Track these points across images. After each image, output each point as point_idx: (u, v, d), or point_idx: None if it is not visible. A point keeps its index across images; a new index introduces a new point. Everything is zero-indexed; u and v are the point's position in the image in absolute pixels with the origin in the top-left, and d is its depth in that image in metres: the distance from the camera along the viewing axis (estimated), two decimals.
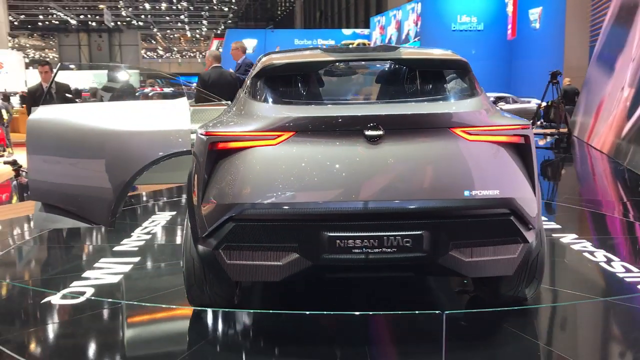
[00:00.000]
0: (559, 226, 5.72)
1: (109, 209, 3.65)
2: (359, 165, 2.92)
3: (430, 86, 3.42)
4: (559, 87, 12.19)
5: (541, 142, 13.37)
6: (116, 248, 5.07)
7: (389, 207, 2.90)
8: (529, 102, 17.86)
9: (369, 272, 3.26)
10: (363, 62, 3.65)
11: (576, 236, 5.33)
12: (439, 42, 25.56)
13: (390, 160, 2.93)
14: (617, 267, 4.47)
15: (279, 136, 2.96)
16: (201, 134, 3.13)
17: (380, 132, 2.91)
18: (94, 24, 62.17)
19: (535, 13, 23.57)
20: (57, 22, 61.14)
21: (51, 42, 67.86)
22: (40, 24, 61.08)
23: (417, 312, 3.04)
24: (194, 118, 3.77)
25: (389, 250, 2.91)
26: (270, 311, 3.46)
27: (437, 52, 3.53)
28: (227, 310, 3.47)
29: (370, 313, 3.27)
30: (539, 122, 13.54)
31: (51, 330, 3.55)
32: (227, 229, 2.97)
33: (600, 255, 4.74)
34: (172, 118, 3.69)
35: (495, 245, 3.05)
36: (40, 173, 3.71)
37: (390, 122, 2.94)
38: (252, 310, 3.62)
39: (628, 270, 4.40)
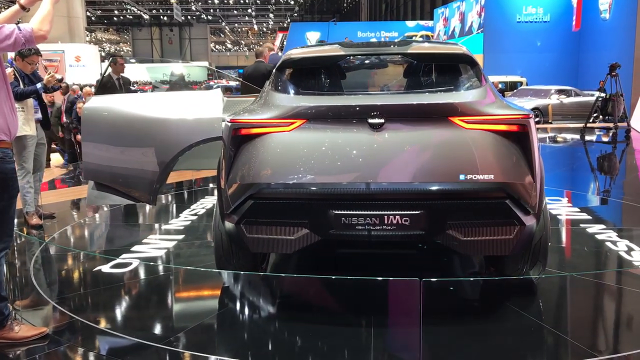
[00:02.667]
0: (589, 217, 5.80)
1: (150, 188, 4.10)
2: (362, 151, 3.22)
3: (436, 78, 3.67)
4: (619, 80, 11.92)
5: (604, 138, 13.15)
6: (164, 227, 5.57)
7: (389, 188, 3.19)
8: (592, 95, 17.40)
9: (372, 248, 3.56)
10: (375, 57, 3.93)
11: (603, 227, 5.42)
12: (503, 34, 25.17)
13: (391, 146, 3.21)
14: (636, 255, 4.57)
15: (292, 123, 3.30)
16: (227, 122, 3.50)
17: (382, 121, 3.20)
18: (165, 18, 64.40)
19: (605, 3, 22.80)
20: (131, 17, 63.68)
21: (125, 37, 70.76)
22: (115, 19, 63.74)
23: (394, 278, 3.31)
24: (227, 108, 4.16)
25: (389, 228, 3.20)
26: (283, 275, 3.82)
27: (443, 47, 3.77)
28: (251, 273, 3.87)
29: (348, 278, 3.56)
30: (594, 115, 13.28)
31: (99, 293, 4.04)
32: (247, 206, 3.33)
33: (622, 245, 4.84)
34: (206, 107, 4.10)
35: (491, 227, 3.28)
36: (92, 155, 4.19)
37: (391, 111, 3.22)
38: (274, 275, 4.01)
39: None
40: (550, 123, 16.62)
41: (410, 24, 36.81)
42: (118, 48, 71.02)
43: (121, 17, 63.81)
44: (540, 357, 3.09)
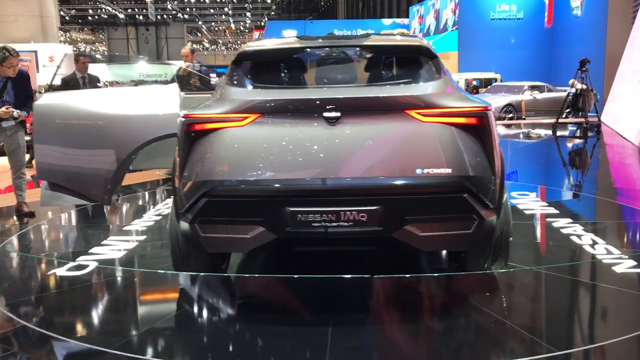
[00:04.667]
0: (556, 211, 5.78)
1: (105, 187, 3.98)
2: (318, 145, 3.14)
3: (395, 71, 3.61)
4: (588, 75, 12.01)
5: (576, 133, 13.21)
6: (126, 227, 5.44)
7: (345, 183, 3.12)
8: (565, 91, 17.55)
9: (330, 245, 3.49)
10: (336, 51, 3.85)
11: (570, 220, 5.41)
12: (477, 31, 25.28)
13: (347, 140, 3.14)
14: (599, 249, 4.56)
15: (245, 118, 3.21)
16: (180, 117, 3.40)
17: (338, 114, 3.13)
18: (141, 17, 63.75)
19: (577, 0, 23.04)
20: (106, 17, 62.91)
21: (101, 36, 69.87)
22: (89, 18, 62.92)
23: (346, 275, 3.25)
24: (185, 104, 4.05)
25: (345, 224, 3.13)
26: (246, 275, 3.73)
27: (401, 40, 3.70)
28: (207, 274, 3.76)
29: (295, 276, 3.48)
30: (567, 111, 13.34)
31: (51, 297, 3.91)
32: (201, 204, 3.24)
33: (586, 239, 4.82)
34: (161, 103, 3.99)
35: (449, 221, 3.24)
36: (45, 154, 4.07)
37: (347, 105, 3.15)
38: (233, 275, 3.90)
39: (609, 253, 4.48)
40: (524, 119, 16.72)
41: (387, 21, 36.89)
42: (94, 48, 70.16)
43: (96, 17, 63.01)
44: (498, 353, 3.04)
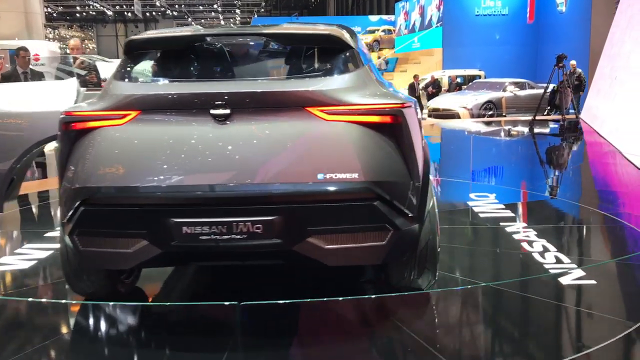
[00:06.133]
0: (512, 214, 5.43)
1: None
2: (206, 147, 2.76)
3: (301, 63, 3.23)
4: (565, 71, 11.65)
5: (553, 130, 12.87)
6: (47, 234, 5.04)
7: (237, 191, 2.74)
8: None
9: (226, 260, 3.11)
10: (241, 41, 3.45)
11: (525, 225, 5.06)
12: (462, 27, 24.95)
13: (239, 141, 2.76)
14: (549, 257, 4.21)
15: (125, 115, 2.82)
16: (60, 114, 3.02)
17: (227, 111, 2.74)
18: (129, 14, 63.08)
19: None
20: (94, 13, 62.27)
21: (90, 33, 69.19)
22: (77, 15, 62.27)
23: (213, 302, 2.86)
24: (84, 100, 3.66)
25: (238, 237, 2.76)
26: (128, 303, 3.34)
27: (309, 28, 3.30)
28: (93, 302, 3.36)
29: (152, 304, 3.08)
30: (548, 108, 13.00)
31: None
32: (79, 214, 2.86)
33: (537, 245, 4.47)
34: (56, 100, 3.61)
35: (359, 232, 2.86)
36: None
37: (237, 100, 2.76)
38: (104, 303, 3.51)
39: (559, 261, 4.13)
40: (504, 116, 16.39)
41: (373, 18, 36.54)
42: (83, 45, 69.47)
43: (84, 14, 62.34)
44: None
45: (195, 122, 2.78)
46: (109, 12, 61.13)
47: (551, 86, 13.00)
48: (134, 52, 3.15)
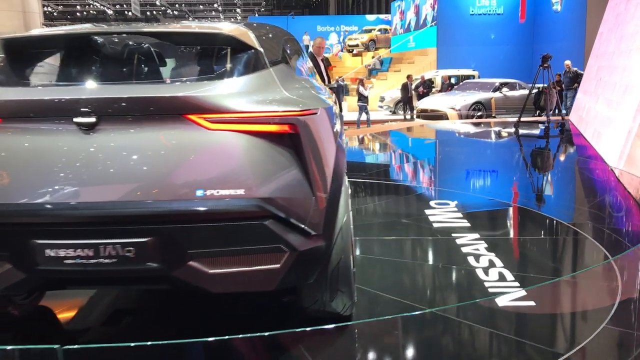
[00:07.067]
0: (467, 225, 5.12)
1: None
2: (70, 160, 2.47)
3: (190, 65, 2.93)
4: (551, 71, 11.30)
5: (537, 132, 12.51)
6: None
7: (104, 209, 2.44)
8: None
9: (102, 285, 2.82)
10: (119, 39, 3.13)
11: (477, 236, 4.75)
12: (456, 27, 24.60)
13: (107, 154, 2.47)
14: (492, 274, 3.91)
15: None
16: None
17: (93, 120, 2.45)
18: (130, 13, 62.89)
19: None
20: (94, 13, 62.14)
21: None
22: (78, 14, 62.14)
23: (31, 346, 2.56)
24: None
25: (107, 261, 2.46)
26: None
27: (200, 26, 2.99)
28: None
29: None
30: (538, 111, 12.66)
31: None
32: None
33: (484, 261, 4.17)
34: None
35: (249, 255, 2.57)
36: None
37: (105, 107, 2.46)
38: None
39: (502, 279, 3.83)
40: (494, 117, 16.04)
41: (370, 17, 36.21)
42: None
43: (84, 13, 62.20)
44: None
45: (59, 132, 2.49)
46: (110, 12, 60.98)
47: (537, 87, 12.64)
48: (3, 52, 2.85)
